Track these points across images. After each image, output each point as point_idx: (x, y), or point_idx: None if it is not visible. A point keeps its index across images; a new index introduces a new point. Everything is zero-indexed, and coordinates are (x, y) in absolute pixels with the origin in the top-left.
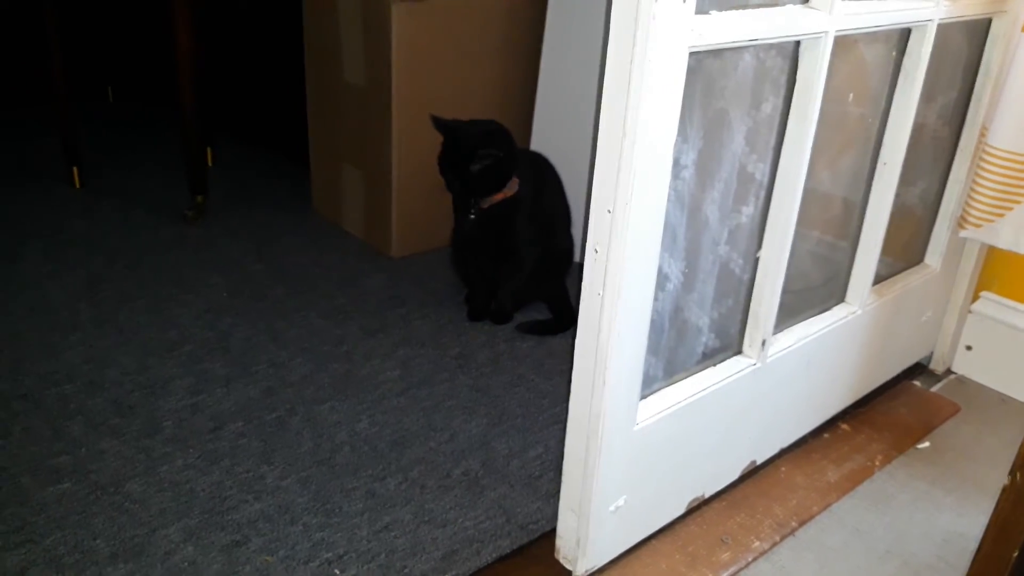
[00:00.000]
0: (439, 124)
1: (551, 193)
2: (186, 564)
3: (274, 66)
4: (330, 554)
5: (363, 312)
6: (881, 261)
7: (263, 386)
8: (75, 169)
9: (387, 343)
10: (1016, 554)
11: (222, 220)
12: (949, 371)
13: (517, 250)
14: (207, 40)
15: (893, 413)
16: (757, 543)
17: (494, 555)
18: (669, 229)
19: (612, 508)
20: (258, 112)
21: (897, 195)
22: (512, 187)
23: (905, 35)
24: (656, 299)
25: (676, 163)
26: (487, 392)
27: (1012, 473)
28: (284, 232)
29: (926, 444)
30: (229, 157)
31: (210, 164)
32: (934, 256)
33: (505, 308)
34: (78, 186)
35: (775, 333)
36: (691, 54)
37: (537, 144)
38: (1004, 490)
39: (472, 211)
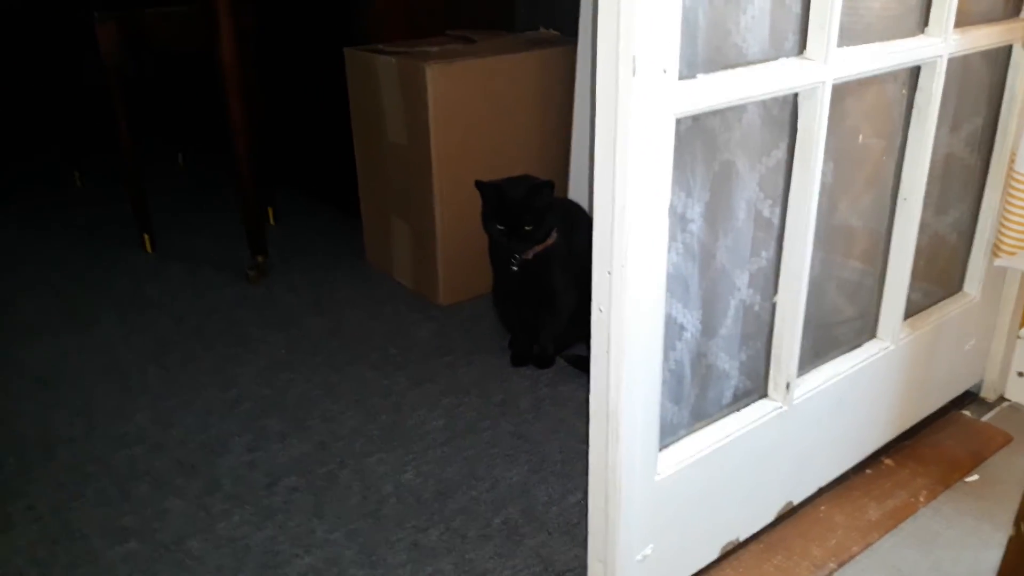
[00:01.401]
0: (484, 187)
1: (582, 238)
2: None
3: (327, 126)
4: None
5: (412, 362)
6: (918, 291)
7: (316, 440)
8: (146, 235)
9: (433, 392)
10: None
11: (282, 276)
12: (1002, 399)
13: (556, 296)
14: (265, 105)
15: (940, 445)
16: None
17: None
18: (680, 280)
19: (639, 557)
20: (314, 170)
21: (928, 225)
22: (551, 237)
23: (916, 72)
24: (674, 349)
25: (682, 217)
26: (528, 438)
27: (1016, 523)
28: (339, 285)
29: (975, 477)
30: (289, 213)
31: (272, 222)
32: (973, 284)
33: (547, 353)
34: (149, 251)
35: (802, 374)
36: (681, 118)
37: (575, 192)
38: (1010, 540)
39: (514, 263)
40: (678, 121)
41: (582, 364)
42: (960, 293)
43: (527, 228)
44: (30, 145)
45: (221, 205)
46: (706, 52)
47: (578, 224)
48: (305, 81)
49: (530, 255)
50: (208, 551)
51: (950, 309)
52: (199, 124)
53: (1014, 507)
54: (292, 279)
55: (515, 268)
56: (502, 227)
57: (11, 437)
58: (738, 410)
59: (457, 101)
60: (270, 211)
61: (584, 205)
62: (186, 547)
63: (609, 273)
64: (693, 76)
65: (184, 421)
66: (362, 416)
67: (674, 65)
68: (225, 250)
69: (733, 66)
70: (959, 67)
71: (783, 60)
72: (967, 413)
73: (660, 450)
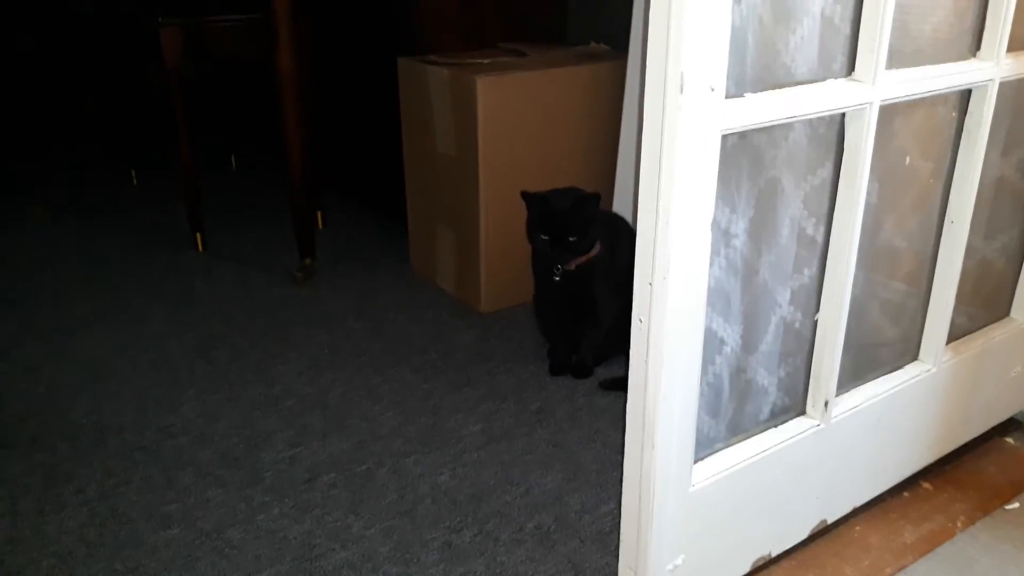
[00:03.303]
0: (530, 197)
1: (626, 251)
2: None
3: (377, 135)
4: None
5: (452, 367)
6: (962, 315)
7: (355, 439)
8: (198, 235)
9: (472, 397)
10: None
11: (329, 279)
12: None
13: (597, 308)
14: (317, 114)
15: (980, 472)
16: None
17: None
18: (722, 294)
19: (670, 567)
20: (363, 176)
21: (976, 249)
22: (595, 249)
23: (966, 95)
24: (713, 362)
25: (726, 232)
26: (564, 447)
27: None
28: (384, 290)
29: (1015, 505)
30: (337, 218)
31: (320, 227)
32: (1020, 310)
33: (586, 363)
34: (201, 250)
35: (841, 393)
36: (727, 135)
37: (619, 206)
38: None
39: (557, 274)
40: (724, 137)
41: (619, 385)
42: (1007, 319)
43: (571, 239)
44: (89, 144)
45: (271, 208)
46: (754, 71)
47: (622, 237)
48: (358, 89)
49: (573, 266)
50: (247, 541)
51: (996, 334)
52: (252, 128)
53: None
54: (338, 282)
55: (557, 279)
56: (546, 237)
57: (64, 424)
58: (775, 426)
59: (506, 113)
60: (319, 215)
61: (629, 218)
62: (226, 536)
63: (650, 284)
64: (741, 95)
65: (229, 415)
66: (401, 418)
67: (721, 83)
68: (273, 252)
69: (781, 86)
70: (1012, 91)
71: (831, 81)
72: (1010, 440)
73: (696, 462)
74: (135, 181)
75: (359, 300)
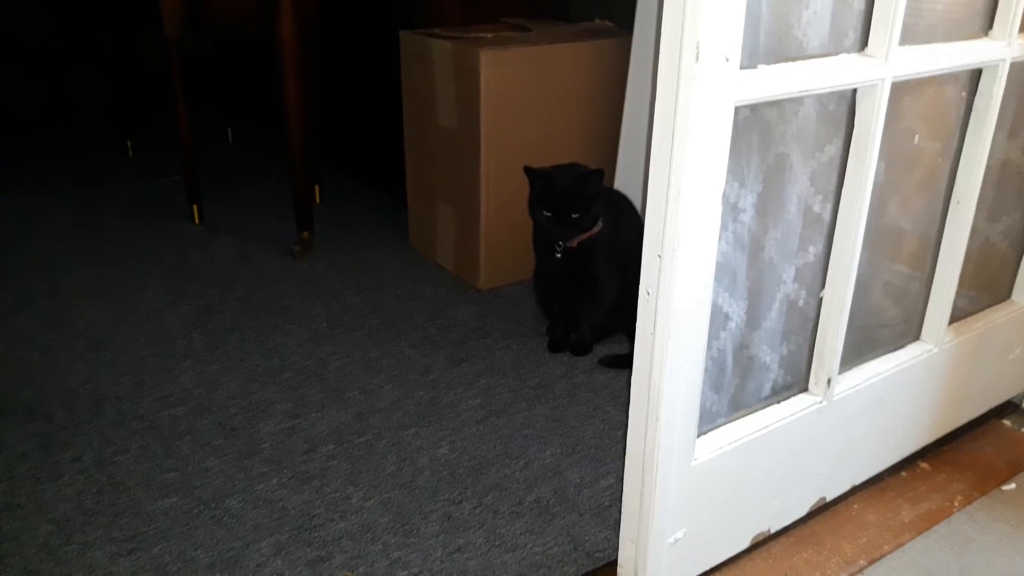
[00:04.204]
0: (532, 173)
1: (627, 229)
2: None
3: (376, 109)
4: (406, 572)
5: (450, 342)
6: (964, 297)
7: (354, 411)
8: (195, 207)
9: (471, 372)
10: None
11: (326, 253)
12: None
13: (598, 285)
14: (317, 88)
15: (978, 453)
16: None
17: None
18: (728, 270)
19: (671, 540)
20: (362, 152)
21: (980, 231)
22: (597, 226)
23: (976, 75)
24: (717, 338)
25: (734, 207)
26: (563, 422)
27: None
28: (382, 265)
29: (1012, 486)
30: (335, 193)
31: (318, 201)
32: (1022, 293)
33: (585, 340)
34: (198, 222)
35: (844, 371)
36: (739, 107)
37: (621, 184)
38: None
39: (558, 250)
40: (736, 110)
41: (619, 363)
42: (1008, 301)
43: (574, 216)
44: (84, 114)
45: (268, 181)
46: (768, 44)
47: (624, 215)
48: (359, 63)
49: (574, 243)
50: (246, 510)
51: (996, 317)
52: (250, 101)
53: None
54: (336, 257)
55: (559, 255)
56: (549, 213)
57: (62, 392)
58: (778, 402)
59: (509, 87)
60: (317, 189)
61: (631, 196)
62: (225, 505)
63: (659, 256)
64: (754, 66)
65: (227, 386)
66: (400, 391)
67: (736, 54)
68: (271, 225)
69: (794, 59)
70: (1021, 73)
71: (843, 56)
72: (1007, 423)
73: (698, 436)
74: (131, 153)
75: (357, 275)
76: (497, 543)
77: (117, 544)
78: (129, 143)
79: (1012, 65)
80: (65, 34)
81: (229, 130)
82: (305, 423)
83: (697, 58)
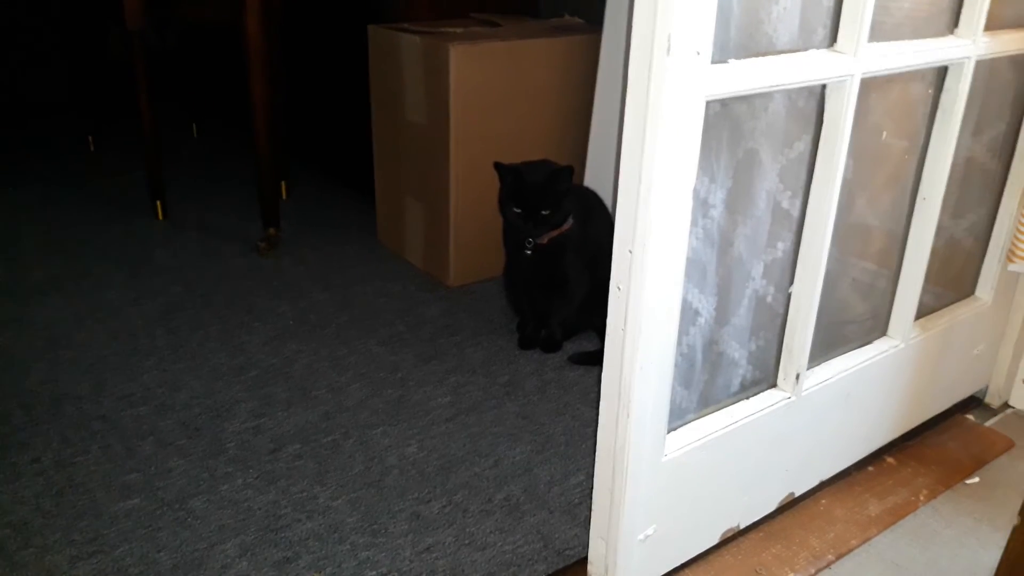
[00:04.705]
0: (503, 169)
1: (597, 226)
2: None
3: (344, 104)
4: (374, 572)
5: (419, 340)
6: (930, 293)
7: (321, 410)
8: (159, 203)
9: (440, 370)
10: None
11: (293, 250)
12: (1006, 405)
13: (568, 282)
14: (284, 82)
15: (942, 447)
16: (791, 575)
17: None
18: (698, 265)
19: (641, 537)
20: (330, 148)
21: (945, 227)
22: (567, 223)
23: (943, 72)
24: (687, 333)
25: (704, 203)
26: (533, 419)
27: (1021, 513)
28: (350, 262)
29: (975, 480)
30: (302, 189)
31: (284, 197)
32: (985, 289)
33: (555, 337)
34: (161, 218)
35: (812, 366)
36: (710, 102)
37: (591, 180)
38: (1015, 530)
39: (528, 247)
40: (707, 104)
41: (589, 360)
42: (972, 297)
43: (544, 213)
44: (45, 109)
45: (233, 177)
46: (738, 39)
47: (594, 212)
48: (326, 57)
49: (545, 240)
50: (211, 511)
51: (961, 312)
52: (215, 96)
53: (1013, 510)
54: (302, 253)
55: (529, 252)
56: (519, 210)
57: (20, 392)
58: (747, 398)
59: (479, 83)
60: (283, 185)
61: (601, 193)
62: (189, 506)
63: (630, 252)
64: (725, 61)
65: (190, 385)
66: (368, 389)
67: (708, 48)
68: (236, 221)
69: (764, 54)
70: (986, 71)
71: (813, 51)
72: (971, 417)
73: (669, 432)
74: (93, 148)
75: (324, 271)
76: (466, 542)
77: (77, 547)
78: (91, 138)
79: (977, 63)
80: (26, 28)
81: (194, 125)
82: (271, 422)
83: (668, 51)
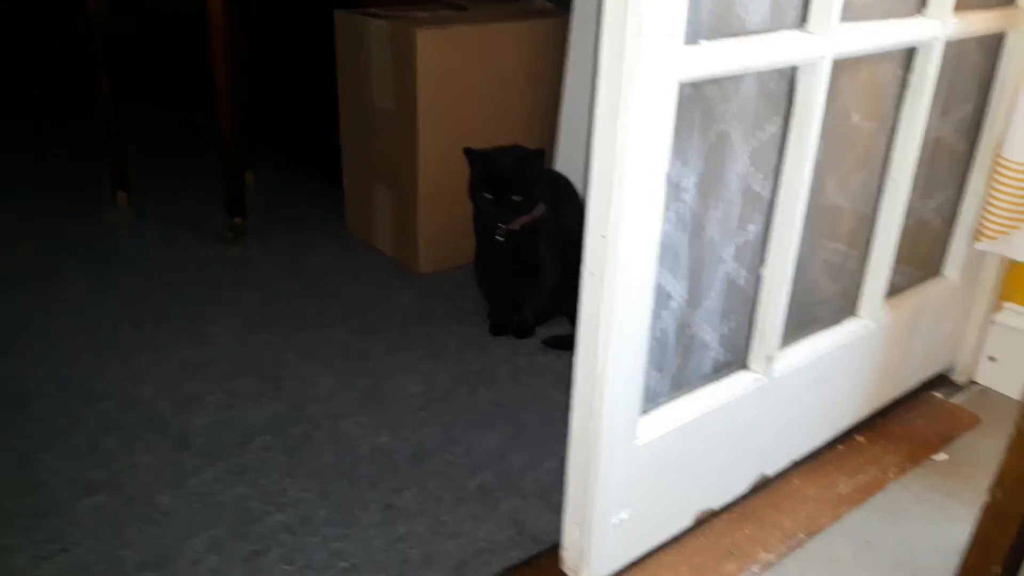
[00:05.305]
0: (472, 154)
1: (569, 211)
2: (210, 574)
3: (311, 90)
4: (346, 564)
5: (390, 328)
6: (899, 273)
7: (290, 401)
8: (122, 191)
9: (411, 358)
10: (998, 570)
11: (260, 239)
12: (972, 382)
13: (540, 268)
14: (249, 68)
15: (911, 425)
16: (764, 555)
17: (503, 566)
18: (671, 249)
19: (615, 521)
20: (297, 135)
21: (913, 208)
22: (539, 209)
23: (912, 53)
24: (660, 317)
25: (676, 186)
26: (505, 406)
27: (992, 489)
28: (318, 250)
29: (943, 456)
30: (268, 177)
31: (251, 185)
32: (953, 268)
33: (527, 323)
34: (124, 207)
35: (783, 348)
36: (683, 84)
37: (561, 165)
38: (985, 505)
39: (500, 233)
40: (680, 87)
41: (562, 344)
42: (940, 277)
43: (515, 198)
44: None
45: (198, 165)
46: (710, 20)
47: (565, 196)
48: (292, 42)
49: (516, 226)
50: (179, 506)
51: (929, 292)
52: (179, 82)
53: (980, 485)
54: (269, 243)
55: (500, 238)
56: (490, 196)
57: None
58: (719, 381)
59: (447, 67)
60: (249, 173)
61: (571, 178)
62: (156, 501)
63: (603, 236)
64: (697, 42)
65: (156, 378)
66: (338, 379)
67: (680, 30)
68: (201, 211)
69: (736, 35)
70: (954, 52)
71: (785, 32)
72: (938, 395)
73: (642, 415)
74: (54, 136)
75: (292, 261)
76: (440, 530)
77: (39, 547)
78: (51, 127)
79: (946, 44)
80: None
81: (157, 113)
82: (239, 414)
83: (641, 32)
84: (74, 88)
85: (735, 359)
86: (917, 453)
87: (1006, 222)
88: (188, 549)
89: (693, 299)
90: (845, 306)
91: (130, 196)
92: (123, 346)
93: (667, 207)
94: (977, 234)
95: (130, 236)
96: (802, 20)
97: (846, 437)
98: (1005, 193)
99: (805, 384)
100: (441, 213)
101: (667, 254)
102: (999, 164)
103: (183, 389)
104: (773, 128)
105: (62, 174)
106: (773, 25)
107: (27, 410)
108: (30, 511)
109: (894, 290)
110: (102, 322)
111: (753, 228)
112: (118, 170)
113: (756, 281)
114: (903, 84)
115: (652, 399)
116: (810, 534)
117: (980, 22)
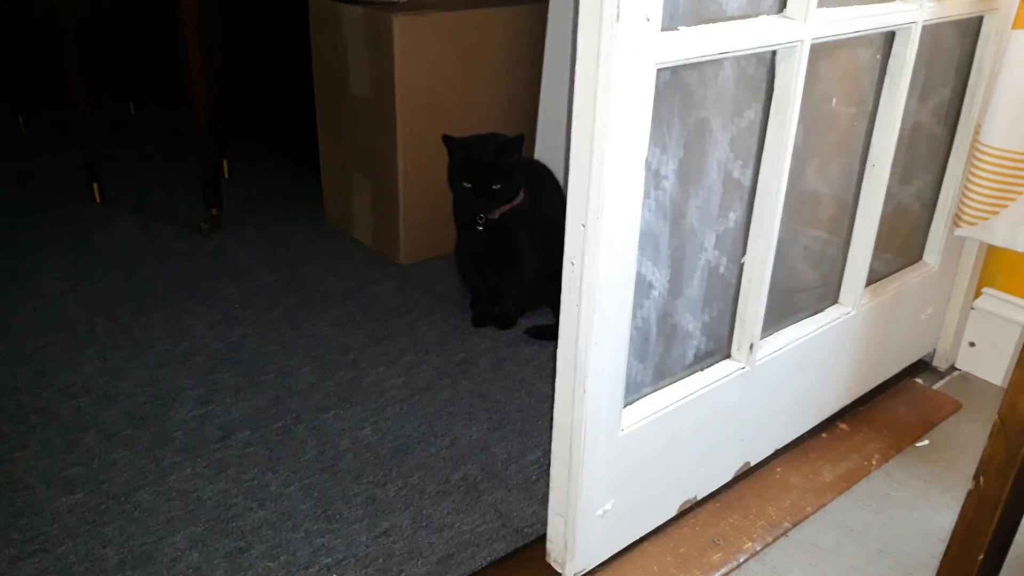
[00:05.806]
0: (451, 142)
1: (549, 200)
2: (191, 571)
3: (287, 79)
4: (329, 559)
5: (371, 320)
6: (879, 259)
7: (271, 395)
8: (95, 184)
9: (393, 350)
10: (981, 556)
11: (237, 231)
12: (953, 368)
13: (521, 257)
14: (222, 57)
15: (893, 411)
16: (749, 544)
17: (488, 559)
18: (651, 238)
19: (600, 512)
20: (273, 124)
21: (893, 194)
22: (519, 197)
23: (890, 38)
24: (641, 307)
25: (656, 174)
26: (488, 397)
27: (976, 477)
28: (296, 241)
29: (925, 442)
30: (245, 168)
31: (227, 176)
32: (932, 254)
33: (509, 313)
34: (98, 200)
35: (765, 336)
36: (661, 70)
37: (541, 153)
38: (969, 494)
39: (480, 222)
40: (658, 73)
41: (545, 334)
42: (920, 263)
43: (495, 187)
44: None
45: (173, 156)
46: (688, 5)
47: (545, 185)
48: (267, 30)
49: (496, 215)
50: (158, 503)
51: (909, 278)
52: (151, 73)
53: (962, 471)
54: (247, 234)
55: (480, 227)
56: (469, 185)
57: None
58: (702, 370)
59: (424, 54)
60: (225, 163)
61: (551, 166)
62: (135, 499)
63: (583, 226)
64: (675, 28)
65: (134, 373)
66: (319, 372)
67: (657, 15)
68: (177, 202)
69: (714, 20)
70: (931, 36)
71: (763, 18)
72: (919, 381)
73: (625, 406)
74: (24, 129)
75: (271, 252)
76: (424, 524)
77: (17, 546)
78: (21, 119)
79: (923, 28)
80: None
81: (131, 103)
82: (219, 409)
83: (618, 18)
84: (47, 81)
85: (717, 348)
86: (899, 440)
87: (985, 208)
88: (169, 547)
89: (674, 288)
90: (826, 293)
91: (104, 188)
92: (99, 341)
93: (647, 195)
94: (956, 220)
95: (105, 229)
96: (781, 5)
97: (829, 425)
98: (983, 179)
99: (787, 372)
100: (421, 203)
101: (648, 243)
102: (977, 149)
103: (161, 384)
104: (752, 115)
105: (34, 166)
106: (751, 10)
107: (1, 407)
108: (7, 510)
109: (874, 277)
110: (78, 317)
111: (734, 216)
112: (91, 161)
113: (737, 270)
114: (882, 69)
115: (635, 389)
116: (795, 522)
117: (957, 6)
